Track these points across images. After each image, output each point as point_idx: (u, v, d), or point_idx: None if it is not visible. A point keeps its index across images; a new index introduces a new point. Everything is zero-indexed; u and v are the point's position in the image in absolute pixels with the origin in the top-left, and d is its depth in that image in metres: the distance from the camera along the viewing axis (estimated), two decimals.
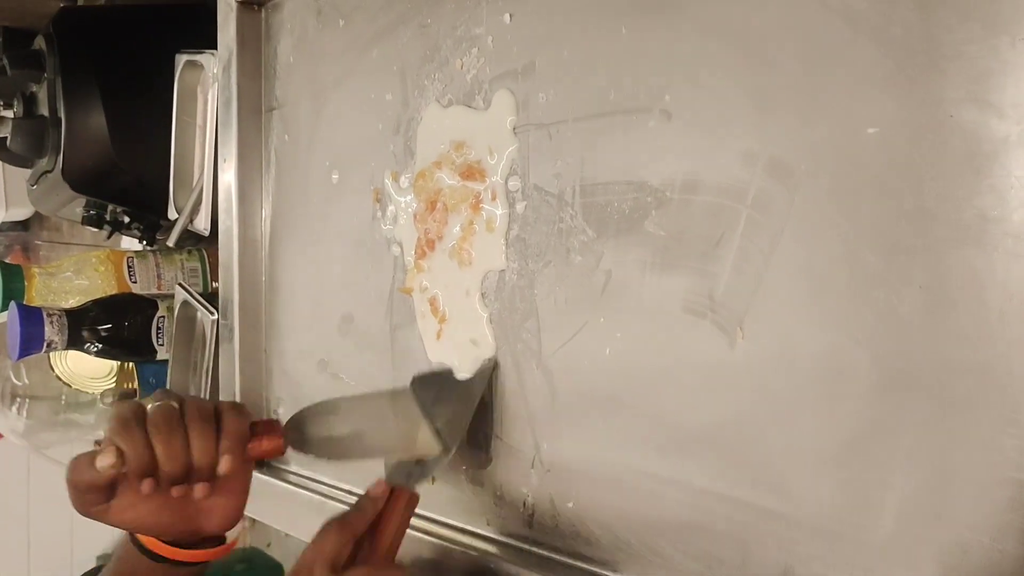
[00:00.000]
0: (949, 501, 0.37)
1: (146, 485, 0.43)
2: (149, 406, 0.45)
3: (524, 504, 0.56)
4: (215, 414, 0.46)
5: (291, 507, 0.74)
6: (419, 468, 0.52)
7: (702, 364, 0.45)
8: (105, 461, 0.42)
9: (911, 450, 0.38)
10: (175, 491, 0.44)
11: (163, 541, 0.49)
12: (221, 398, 0.82)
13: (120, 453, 0.42)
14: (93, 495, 0.44)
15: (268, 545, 0.99)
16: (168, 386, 0.92)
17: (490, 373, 0.55)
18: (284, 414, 0.79)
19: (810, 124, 0.41)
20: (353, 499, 0.69)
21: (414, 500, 0.51)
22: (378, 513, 0.49)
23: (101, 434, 1.30)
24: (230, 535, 0.52)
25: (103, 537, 1.51)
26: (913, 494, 0.38)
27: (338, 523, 0.48)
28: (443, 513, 0.62)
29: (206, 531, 0.49)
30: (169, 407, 0.44)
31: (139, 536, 0.50)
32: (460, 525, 0.61)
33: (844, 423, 0.40)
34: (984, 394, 0.36)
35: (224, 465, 0.44)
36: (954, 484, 0.37)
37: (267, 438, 0.47)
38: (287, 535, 0.78)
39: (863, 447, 0.39)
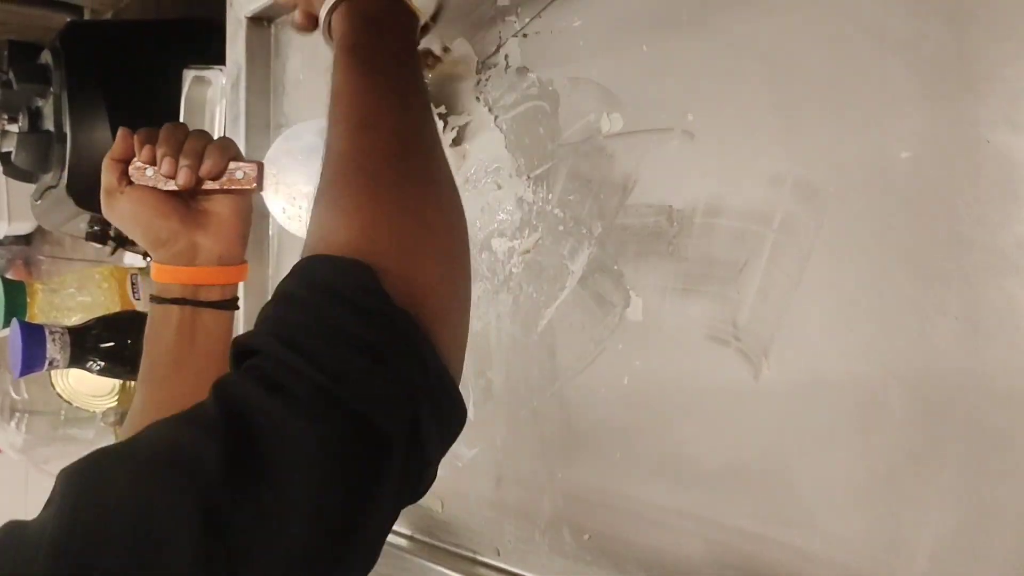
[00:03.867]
0: (988, 540, 0.35)
1: (145, 151, 0.52)
2: None
3: (537, 534, 0.54)
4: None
5: None
6: None
7: (725, 394, 0.44)
8: (118, 135, 0.54)
9: (947, 486, 0.36)
10: (164, 164, 0.52)
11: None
12: None
13: (127, 132, 0.53)
14: (112, 181, 0.53)
15: None
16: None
17: None
18: None
19: (839, 145, 0.40)
20: None
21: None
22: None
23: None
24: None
25: None
26: (949, 533, 0.36)
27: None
28: (453, 542, 0.60)
29: (203, 245, 0.54)
30: (178, 122, 0.54)
31: (153, 280, 0.54)
32: (470, 555, 0.59)
33: (876, 457, 0.38)
34: (1023, 428, 0.34)
35: (209, 158, 0.52)
36: (993, 522, 0.35)
37: (245, 164, 0.53)
38: None
39: (896, 483, 0.38)
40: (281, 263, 0.79)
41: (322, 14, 0.46)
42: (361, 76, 0.42)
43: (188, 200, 0.54)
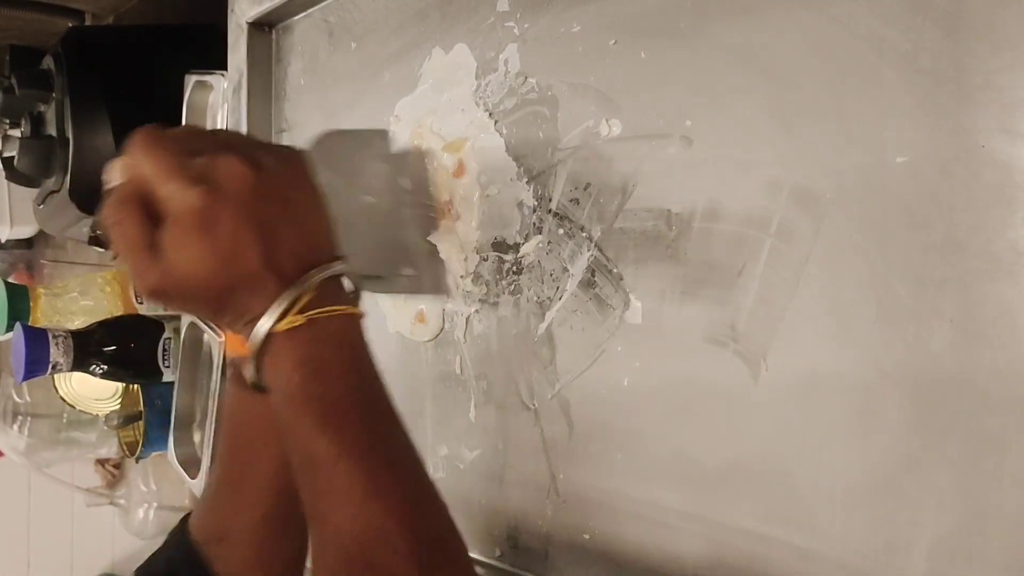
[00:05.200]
0: (983, 542, 0.36)
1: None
2: None
3: (539, 536, 0.55)
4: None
5: None
6: None
7: (725, 396, 0.44)
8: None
9: (944, 488, 0.37)
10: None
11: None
12: None
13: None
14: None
15: None
16: (174, 410, 0.92)
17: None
18: None
19: (836, 152, 0.40)
20: None
21: None
22: None
23: (103, 451, 1.29)
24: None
25: (103, 555, 1.50)
26: (946, 534, 0.37)
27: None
28: None
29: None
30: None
31: (232, 355, 0.46)
32: (472, 556, 0.59)
33: (874, 460, 0.39)
34: (1020, 431, 0.35)
35: None
36: (989, 524, 0.35)
37: None
38: None
39: (894, 485, 0.38)
40: None
41: (249, 346, 0.37)
42: (340, 441, 0.36)
43: None
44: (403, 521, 0.36)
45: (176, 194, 0.36)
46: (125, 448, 1.12)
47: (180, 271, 0.37)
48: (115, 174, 0.38)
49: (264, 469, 0.48)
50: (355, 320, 0.40)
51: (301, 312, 0.37)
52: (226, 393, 0.49)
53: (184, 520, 0.51)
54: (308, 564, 0.46)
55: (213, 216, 0.36)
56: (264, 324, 0.37)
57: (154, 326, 0.92)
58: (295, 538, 0.50)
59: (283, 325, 0.37)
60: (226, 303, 0.38)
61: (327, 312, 0.38)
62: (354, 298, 0.42)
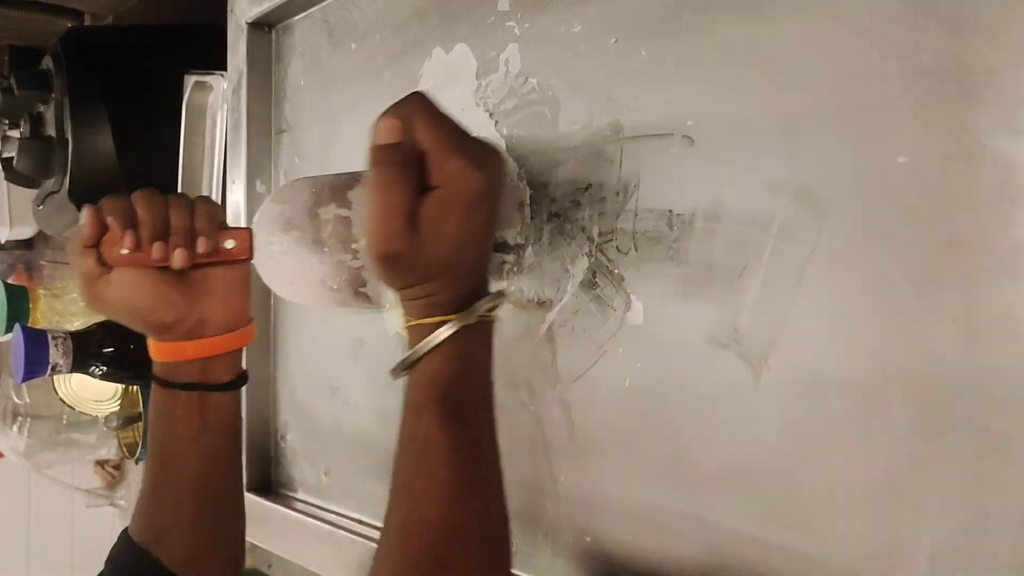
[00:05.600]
0: (986, 543, 0.35)
1: (128, 237, 0.47)
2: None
3: (539, 537, 0.54)
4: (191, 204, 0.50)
5: (296, 535, 0.72)
6: None
7: (726, 397, 0.44)
8: (84, 216, 0.48)
9: (946, 490, 0.36)
10: (155, 250, 0.47)
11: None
12: None
13: (96, 212, 0.47)
14: (90, 262, 0.47)
15: (269, 567, 0.98)
16: None
17: None
18: (292, 440, 0.78)
19: (838, 151, 0.40)
20: (360, 526, 0.68)
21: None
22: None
23: (103, 452, 1.29)
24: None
25: (103, 556, 1.49)
26: (948, 536, 0.36)
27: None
28: None
29: (211, 318, 0.51)
30: (150, 189, 0.49)
31: (156, 360, 0.52)
32: None
33: (876, 461, 0.39)
34: (1022, 431, 0.35)
35: (201, 235, 0.49)
36: (991, 525, 0.35)
37: (235, 233, 0.50)
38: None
39: (896, 486, 0.38)
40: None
41: (429, 327, 0.41)
42: (459, 436, 0.40)
43: (182, 273, 0.50)
44: (484, 528, 0.40)
45: (461, 172, 0.39)
46: (125, 449, 1.12)
47: (431, 242, 0.39)
48: (388, 133, 0.40)
49: (189, 469, 0.52)
50: (494, 328, 0.44)
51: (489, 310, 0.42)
52: (152, 398, 0.53)
53: (126, 529, 0.54)
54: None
55: (482, 201, 0.40)
56: (466, 316, 0.41)
57: None
58: (228, 536, 0.55)
59: (472, 319, 0.41)
60: (437, 280, 0.41)
61: (492, 318, 0.43)
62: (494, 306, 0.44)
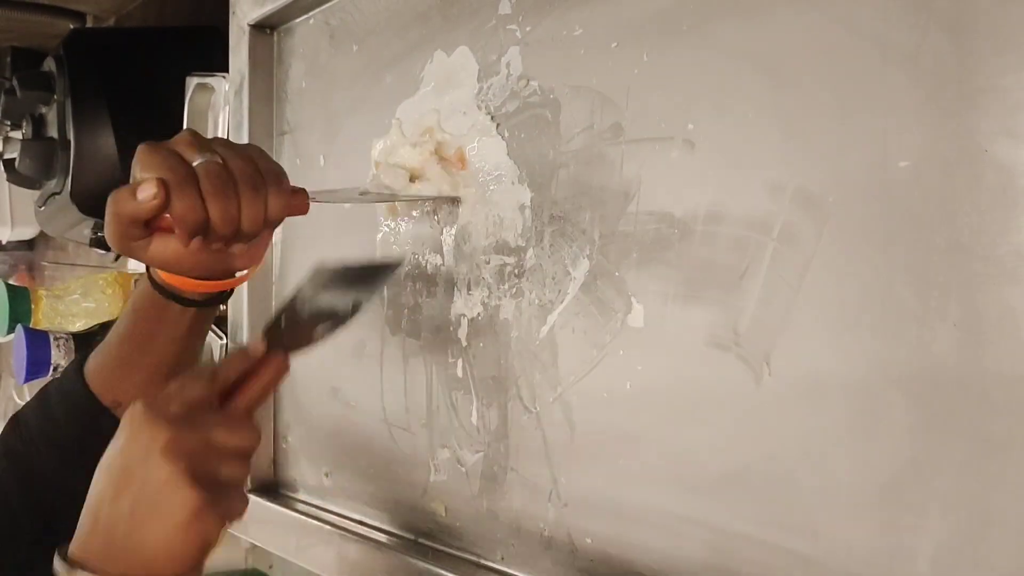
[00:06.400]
0: (988, 547, 0.35)
1: (195, 244, 0.44)
2: (196, 161, 0.43)
3: (540, 538, 0.54)
4: (261, 175, 0.45)
5: (297, 535, 0.72)
6: (300, 339, 0.49)
7: (727, 400, 0.44)
8: (146, 192, 0.42)
9: (948, 493, 0.36)
10: (216, 247, 0.46)
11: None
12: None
13: (163, 186, 0.42)
14: (134, 229, 0.44)
15: (270, 567, 0.98)
16: None
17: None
18: (293, 442, 0.78)
19: (839, 155, 0.40)
20: (361, 528, 0.68)
21: (284, 369, 0.48)
22: (248, 367, 0.46)
23: None
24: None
25: None
26: (950, 539, 0.36)
27: (210, 373, 0.45)
28: (456, 545, 0.61)
29: (232, 271, 0.50)
30: (221, 168, 0.43)
31: (158, 274, 0.51)
32: (473, 559, 0.59)
33: (878, 464, 0.39)
34: (1022, 434, 0.35)
35: (267, 233, 0.48)
36: (993, 529, 0.35)
37: (298, 199, 0.47)
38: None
39: (898, 490, 0.38)
40: (286, 265, 0.79)
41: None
42: None
43: None
44: None
45: None
46: None
47: None
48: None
49: (164, 357, 0.54)
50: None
51: None
52: (139, 289, 0.53)
53: (80, 368, 0.56)
54: None
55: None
56: None
57: None
58: None
59: None
60: None
61: None
62: None
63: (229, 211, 0.43)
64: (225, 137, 0.84)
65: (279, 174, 0.46)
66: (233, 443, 0.42)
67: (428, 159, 0.60)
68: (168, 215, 0.43)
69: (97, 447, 0.51)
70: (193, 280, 0.49)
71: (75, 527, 0.48)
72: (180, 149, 0.43)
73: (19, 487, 0.54)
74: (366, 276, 0.52)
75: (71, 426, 0.54)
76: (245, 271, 0.52)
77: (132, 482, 0.40)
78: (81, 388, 0.54)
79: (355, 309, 0.51)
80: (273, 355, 0.47)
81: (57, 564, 0.41)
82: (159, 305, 0.52)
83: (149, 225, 0.44)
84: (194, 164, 0.43)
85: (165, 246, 0.45)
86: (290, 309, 0.48)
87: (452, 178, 0.59)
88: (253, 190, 0.44)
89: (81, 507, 0.51)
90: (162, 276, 0.51)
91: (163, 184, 0.42)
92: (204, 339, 0.57)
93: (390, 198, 0.62)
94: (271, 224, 0.46)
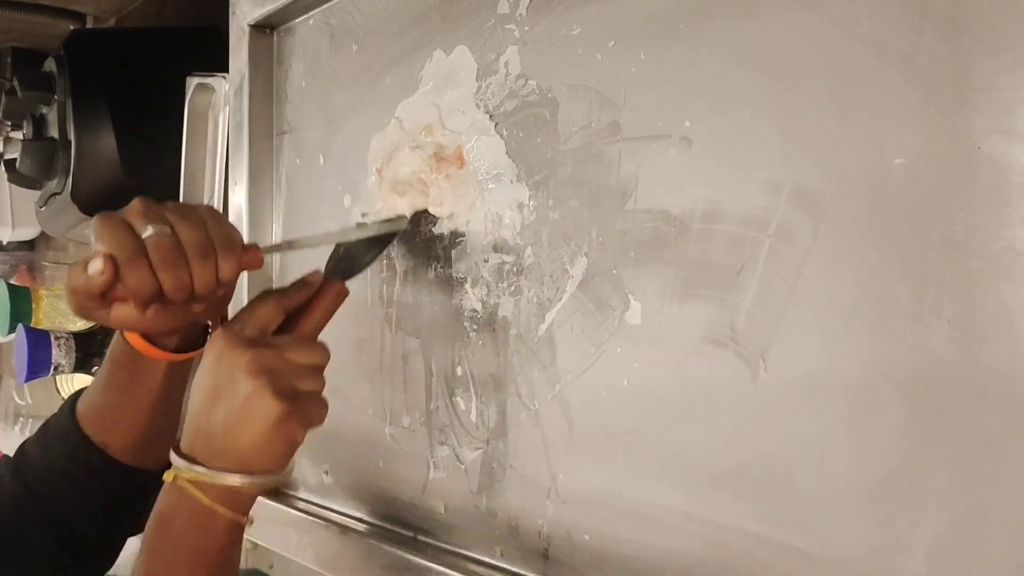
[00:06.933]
0: (983, 542, 0.36)
1: (151, 311, 0.46)
2: (146, 233, 0.45)
3: (539, 535, 0.55)
4: (210, 242, 0.47)
5: (297, 533, 0.72)
6: (351, 266, 0.57)
7: (724, 396, 0.44)
8: (95, 268, 0.44)
9: (944, 489, 0.37)
10: (174, 308, 0.47)
11: (150, 341, 0.52)
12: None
13: (111, 261, 0.43)
14: (90, 302, 0.46)
15: (271, 567, 0.98)
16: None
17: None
18: None
19: (836, 153, 0.40)
20: (361, 525, 0.68)
21: (343, 293, 0.53)
22: (310, 295, 0.52)
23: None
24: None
25: None
26: (945, 535, 0.37)
27: (276, 295, 0.51)
28: (455, 542, 0.61)
29: (198, 323, 0.53)
30: (170, 239, 0.45)
31: (131, 341, 0.52)
32: (472, 555, 0.60)
33: (874, 460, 0.39)
34: (1018, 430, 0.35)
35: (221, 293, 0.49)
36: (988, 525, 0.36)
37: (249, 256, 0.49)
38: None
39: (894, 485, 0.38)
40: (286, 267, 0.79)
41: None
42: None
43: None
44: None
45: None
46: None
47: None
48: None
49: (137, 395, 0.55)
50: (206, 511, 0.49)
51: None
52: (114, 343, 0.54)
53: (72, 407, 0.57)
54: None
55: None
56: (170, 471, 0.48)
57: None
58: (172, 433, 0.57)
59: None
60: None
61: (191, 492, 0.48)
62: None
63: (180, 279, 0.45)
64: (226, 138, 0.84)
65: (229, 235, 0.47)
66: (305, 360, 0.48)
67: (426, 167, 0.61)
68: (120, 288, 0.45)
69: (89, 479, 0.56)
70: (155, 349, 0.52)
71: (80, 547, 0.56)
72: (131, 219, 0.45)
73: (30, 499, 0.55)
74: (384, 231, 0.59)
75: (66, 462, 0.56)
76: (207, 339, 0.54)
77: (222, 397, 0.45)
78: (73, 427, 0.56)
79: (397, 228, 0.59)
80: (332, 283, 0.52)
81: (173, 457, 0.47)
82: (133, 357, 0.53)
83: (105, 296, 0.45)
84: (144, 236, 0.44)
85: (126, 313, 0.46)
86: (344, 241, 0.56)
87: (453, 187, 0.59)
88: (202, 257, 0.45)
89: (80, 534, 0.56)
90: (127, 338, 0.52)
91: (111, 260, 0.43)
92: (184, 386, 0.57)
93: (337, 237, 0.61)
94: (225, 285, 0.48)
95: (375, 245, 0.58)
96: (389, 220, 0.61)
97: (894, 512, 0.38)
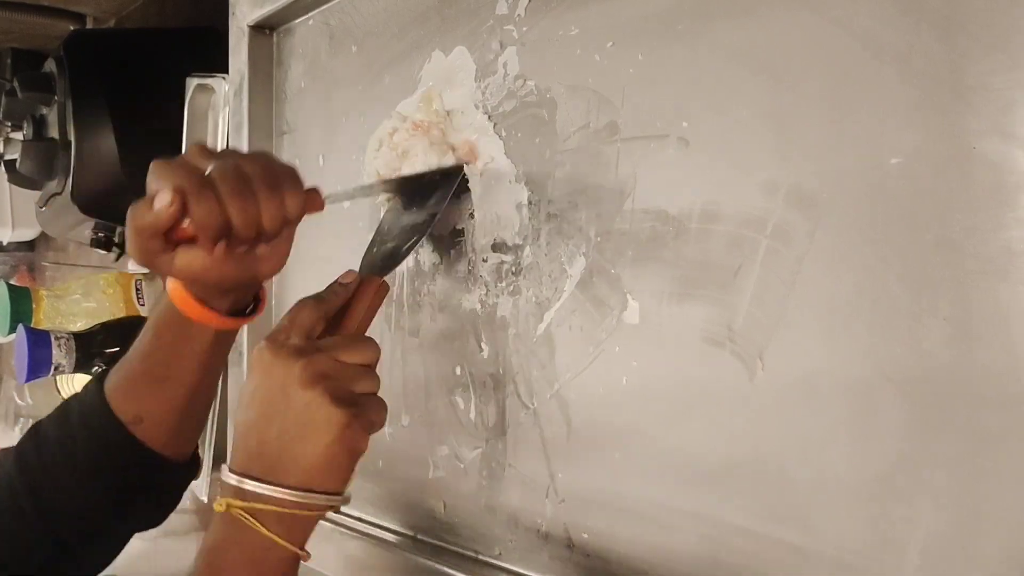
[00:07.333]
0: (978, 540, 0.36)
1: (219, 249, 0.43)
2: (209, 167, 0.42)
3: (537, 534, 0.55)
4: (277, 175, 0.44)
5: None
6: (389, 260, 0.56)
7: (722, 395, 0.45)
8: (163, 200, 0.40)
9: (939, 487, 0.37)
10: (240, 251, 0.45)
11: (206, 305, 0.49)
12: (231, 424, 0.81)
13: (179, 193, 0.41)
14: (155, 241, 0.42)
15: None
16: None
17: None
18: None
19: (833, 153, 0.41)
20: (360, 524, 0.68)
21: (384, 288, 0.52)
22: (349, 296, 0.50)
23: None
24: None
25: None
26: (941, 532, 0.37)
27: (314, 300, 0.48)
28: (455, 541, 0.61)
29: (259, 278, 0.49)
30: (236, 169, 0.42)
31: (181, 306, 0.50)
32: (471, 554, 0.60)
33: (870, 458, 0.39)
34: (1014, 429, 0.35)
35: (289, 233, 0.47)
36: (983, 522, 0.36)
37: (312, 196, 0.47)
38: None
39: (890, 483, 0.38)
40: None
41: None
42: None
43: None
44: None
45: None
46: None
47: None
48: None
49: (189, 376, 0.53)
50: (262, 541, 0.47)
51: None
52: (162, 308, 0.52)
53: (100, 384, 0.55)
54: None
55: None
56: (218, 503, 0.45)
57: None
58: (204, 418, 0.58)
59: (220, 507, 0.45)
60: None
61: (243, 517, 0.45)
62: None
63: (249, 211, 0.42)
64: (225, 139, 0.84)
65: (293, 172, 0.45)
66: (357, 359, 0.45)
67: (422, 137, 0.61)
68: (188, 223, 0.42)
69: (110, 463, 0.54)
70: (208, 311, 0.49)
71: (85, 538, 0.54)
72: (192, 158, 0.43)
73: (31, 496, 0.54)
74: (434, 187, 0.57)
75: (87, 440, 0.54)
76: (259, 313, 0.53)
77: (276, 414, 0.43)
78: (100, 403, 0.54)
79: (432, 218, 0.57)
80: (370, 279, 0.51)
81: (228, 478, 0.44)
82: (180, 322, 0.50)
83: (170, 238, 0.43)
84: (208, 169, 0.42)
85: (191, 257, 0.43)
86: (378, 238, 0.55)
87: (439, 147, 0.60)
88: (270, 188, 0.43)
89: (90, 520, 0.54)
90: (178, 303, 0.49)
91: (179, 191, 0.40)
92: (225, 358, 0.56)
93: (390, 185, 0.62)
94: (291, 222, 0.45)
95: (412, 233, 0.55)
96: (444, 169, 0.58)
97: (890, 509, 0.38)
